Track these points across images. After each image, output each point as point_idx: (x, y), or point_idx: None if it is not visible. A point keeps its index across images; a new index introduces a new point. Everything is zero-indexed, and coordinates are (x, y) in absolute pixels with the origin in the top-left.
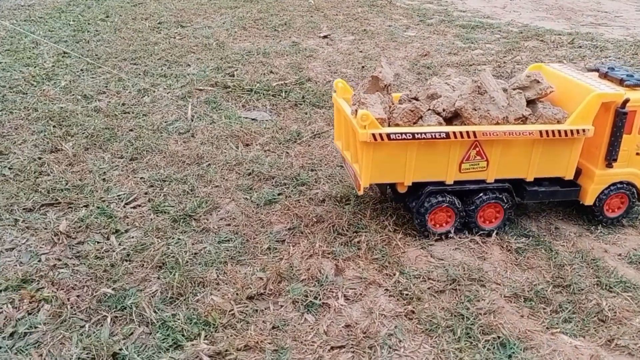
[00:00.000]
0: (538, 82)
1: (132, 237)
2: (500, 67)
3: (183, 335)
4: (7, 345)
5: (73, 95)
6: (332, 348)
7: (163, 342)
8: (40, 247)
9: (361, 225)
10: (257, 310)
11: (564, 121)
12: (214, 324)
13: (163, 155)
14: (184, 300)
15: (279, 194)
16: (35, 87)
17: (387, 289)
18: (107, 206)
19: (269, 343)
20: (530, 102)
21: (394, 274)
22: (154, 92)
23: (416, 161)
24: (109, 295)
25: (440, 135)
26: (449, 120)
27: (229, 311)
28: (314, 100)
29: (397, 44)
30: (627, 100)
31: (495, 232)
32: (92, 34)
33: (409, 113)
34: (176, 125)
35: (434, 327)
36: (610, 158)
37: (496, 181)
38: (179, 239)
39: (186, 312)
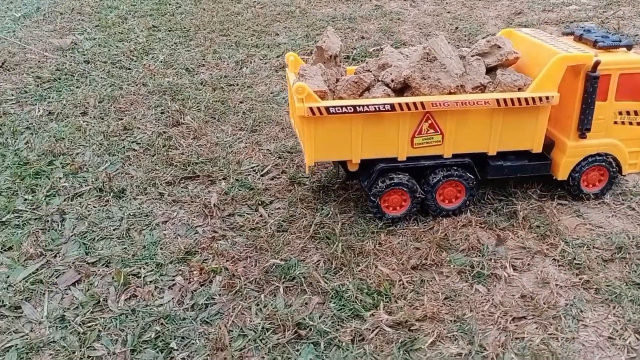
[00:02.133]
0: (499, 47)
1: (279, 209)
2: (603, 24)
3: (361, 305)
4: (190, 316)
5: (175, 69)
6: (514, 319)
7: (341, 312)
8: (193, 220)
9: (506, 193)
10: (423, 281)
11: (526, 88)
12: (387, 294)
13: (281, 126)
14: (348, 270)
15: None
16: (136, 62)
17: (554, 259)
18: (245, 178)
19: (446, 313)
20: (492, 70)
21: (558, 243)
22: (251, 63)
23: (363, 137)
24: (275, 265)
25: (384, 107)
26: (399, 92)
27: (398, 281)
28: None
29: (485, 2)
30: (597, 63)
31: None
32: (174, 6)
33: (352, 85)
34: (283, 95)
35: (614, 297)
36: (583, 128)
37: (454, 156)
38: (323, 209)
39: (353, 282)
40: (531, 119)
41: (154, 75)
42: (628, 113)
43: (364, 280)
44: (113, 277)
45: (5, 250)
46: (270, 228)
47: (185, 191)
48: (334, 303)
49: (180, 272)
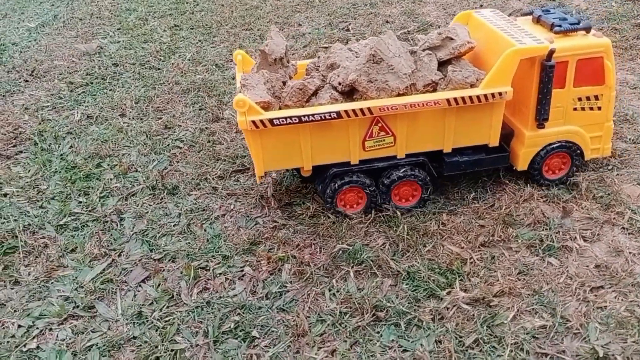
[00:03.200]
0: (451, 39)
1: None
2: None
3: (435, 285)
4: (266, 305)
5: (204, 65)
6: (592, 289)
7: (416, 292)
8: (251, 211)
9: None
10: (494, 257)
11: (479, 84)
12: (459, 272)
13: None
14: (416, 251)
15: None
16: (164, 61)
17: (623, 227)
18: (294, 169)
19: (522, 288)
20: (446, 63)
21: (625, 212)
22: None
23: (312, 144)
24: (342, 250)
25: (331, 115)
26: (348, 94)
27: (469, 259)
28: None
29: None
30: (552, 52)
31: None
32: (192, 4)
33: (297, 92)
34: None
35: None
36: (540, 118)
37: (408, 156)
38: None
39: (422, 262)
40: (486, 115)
41: (185, 74)
42: (588, 98)
43: (434, 260)
44: (182, 272)
45: (69, 252)
46: (330, 215)
47: (238, 184)
48: (407, 284)
49: (247, 263)
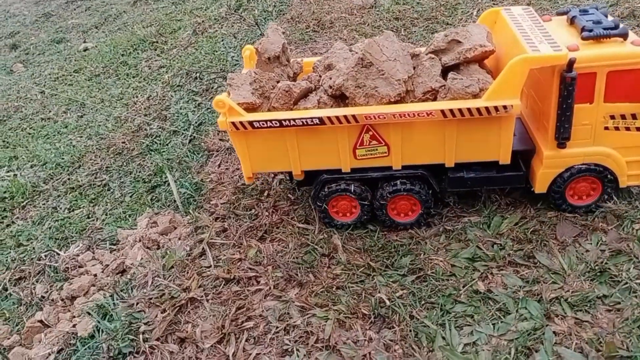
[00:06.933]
0: (458, 42)
1: None
2: None
3: None
4: None
5: None
6: None
7: None
8: None
9: None
10: None
11: (483, 94)
12: None
13: None
14: None
15: None
16: (450, 16)
17: None
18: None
19: None
20: (454, 68)
21: None
22: None
23: (300, 149)
24: None
25: (312, 121)
26: (341, 98)
27: None
28: None
29: None
30: (572, 61)
31: None
32: None
33: (284, 94)
34: None
35: None
36: (560, 136)
37: (407, 168)
38: None
39: None
40: (493, 129)
41: None
42: (623, 117)
43: None
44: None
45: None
46: None
47: None
48: None
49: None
